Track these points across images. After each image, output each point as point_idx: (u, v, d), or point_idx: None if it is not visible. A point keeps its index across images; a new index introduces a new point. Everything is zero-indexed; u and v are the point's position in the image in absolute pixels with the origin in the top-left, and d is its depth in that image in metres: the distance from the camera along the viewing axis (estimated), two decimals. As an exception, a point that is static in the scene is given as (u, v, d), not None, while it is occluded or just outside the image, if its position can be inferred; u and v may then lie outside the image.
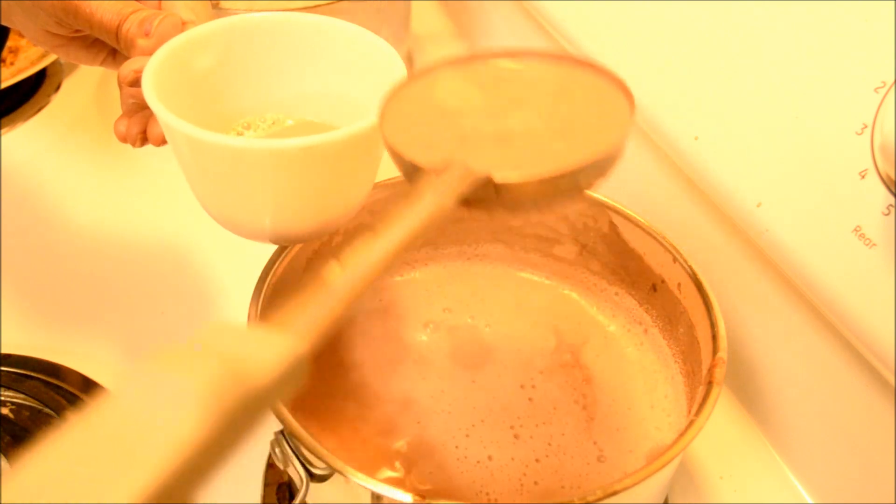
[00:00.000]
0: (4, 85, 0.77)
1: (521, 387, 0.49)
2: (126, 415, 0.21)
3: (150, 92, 0.39)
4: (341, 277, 0.27)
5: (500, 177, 0.32)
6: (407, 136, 0.35)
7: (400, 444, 0.46)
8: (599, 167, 0.33)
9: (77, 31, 0.46)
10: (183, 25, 0.43)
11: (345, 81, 0.45)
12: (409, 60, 0.83)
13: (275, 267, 0.47)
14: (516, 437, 0.47)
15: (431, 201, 0.31)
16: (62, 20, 0.44)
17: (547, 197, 0.33)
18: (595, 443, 0.47)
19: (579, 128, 0.35)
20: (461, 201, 0.32)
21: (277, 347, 0.24)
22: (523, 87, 0.37)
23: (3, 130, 0.78)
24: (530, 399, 0.49)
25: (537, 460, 0.46)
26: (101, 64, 0.49)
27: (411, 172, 0.34)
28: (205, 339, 0.24)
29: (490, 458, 0.46)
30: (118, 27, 0.43)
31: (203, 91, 0.44)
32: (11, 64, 0.80)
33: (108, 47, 0.47)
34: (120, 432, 0.21)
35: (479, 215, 0.34)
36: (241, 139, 0.37)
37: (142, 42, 0.42)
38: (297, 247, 0.49)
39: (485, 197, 0.32)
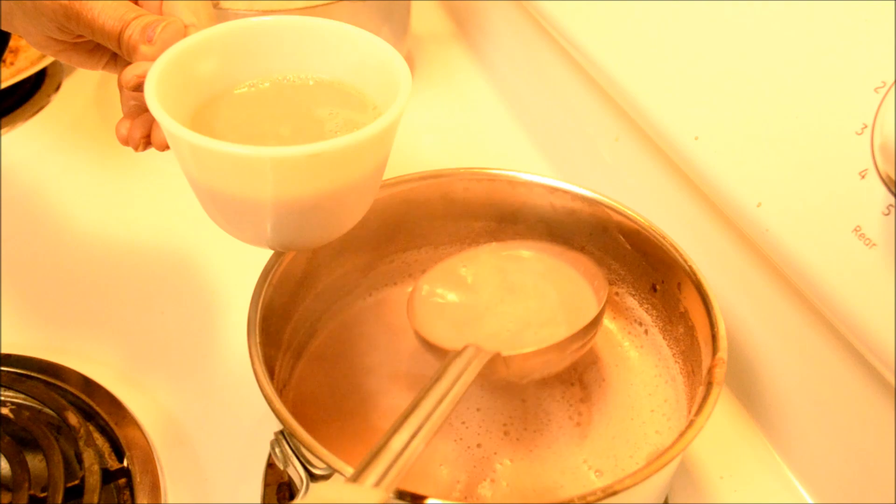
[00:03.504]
0: (4, 85, 0.77)
1: (515, 391, 0.49)
2: None
3: (152, 99, 0.39)
4: (399, 442, 0.36)
5: (506, 352, 0.43)
6: (431, 323, 0.47)
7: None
8: (580, 338, 0.46)
9: (79, 36, 0.45)
10: (185, 30, 0.43)
11: (347, 82, 0.45)
12: (409, 60, 0.83)
13: (274, 268, 0.47)
14: (506, 433, 0.47)
15: (456, 376, 0.40)
16: (64, 26, 0.44)
17: (542, 363, 0.46)
18: (586, 448, 0.47)
19: (562, 308, 0.48)
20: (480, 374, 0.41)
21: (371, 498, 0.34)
22: (519, 274, 0.50)
23: (3, 130, 0.78)
24: (523, 400, 0.49)
25: (511, 461, 0.46)
26: (103, 68, 0.49)
27: (434, 350, 0.46)
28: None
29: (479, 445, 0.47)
30: (120, 32, 0.43)
31: (205, 96, 0.44)
32: (11, 64, 0.80)
33: (110, 52, 0.47)
34: None
35: (495, 384, 0.48)
36: (243, 146, 0.37)
37: (144, 48, 0.42)
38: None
39: (496, 370, 0.43)
